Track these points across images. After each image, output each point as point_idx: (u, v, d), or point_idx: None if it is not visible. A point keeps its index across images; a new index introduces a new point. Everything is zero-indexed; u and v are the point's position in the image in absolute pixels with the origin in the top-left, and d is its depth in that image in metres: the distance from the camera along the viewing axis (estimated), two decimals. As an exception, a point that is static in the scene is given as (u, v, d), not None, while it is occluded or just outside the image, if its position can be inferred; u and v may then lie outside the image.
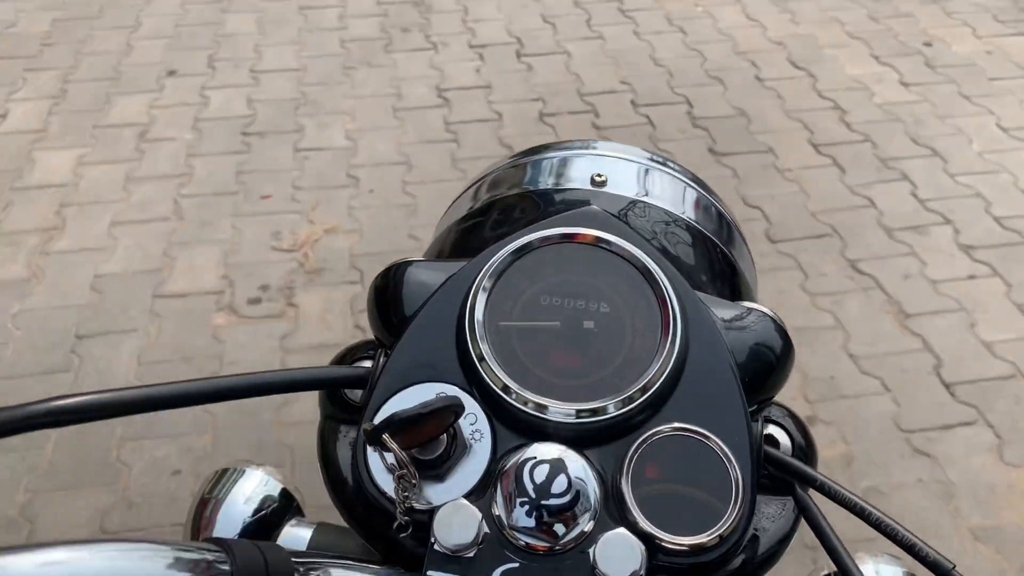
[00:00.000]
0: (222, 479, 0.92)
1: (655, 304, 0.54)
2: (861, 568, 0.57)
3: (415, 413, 0.44)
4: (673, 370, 0.51)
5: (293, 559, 0.44)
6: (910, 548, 0.46)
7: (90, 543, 0.38)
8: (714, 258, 0.73)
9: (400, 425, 0.44)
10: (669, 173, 0.77)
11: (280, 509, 0.91)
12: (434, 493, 0.48)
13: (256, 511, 0.90)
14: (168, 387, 0.47)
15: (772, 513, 0.55)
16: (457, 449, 0.49)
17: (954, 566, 0.44)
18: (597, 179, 0.71)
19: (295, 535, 0.88)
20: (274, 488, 0.93)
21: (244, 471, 0.94)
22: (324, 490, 0.60)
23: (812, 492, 0.53)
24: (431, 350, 0.54)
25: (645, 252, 0.56)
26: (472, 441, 0.50)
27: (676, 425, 0.50)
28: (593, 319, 0.54)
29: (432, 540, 0.46)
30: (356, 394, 0.58)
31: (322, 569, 0.45)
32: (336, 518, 0.68)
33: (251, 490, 0.92)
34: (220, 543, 0.42)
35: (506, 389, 0.51)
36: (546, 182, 0.74)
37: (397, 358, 0.53)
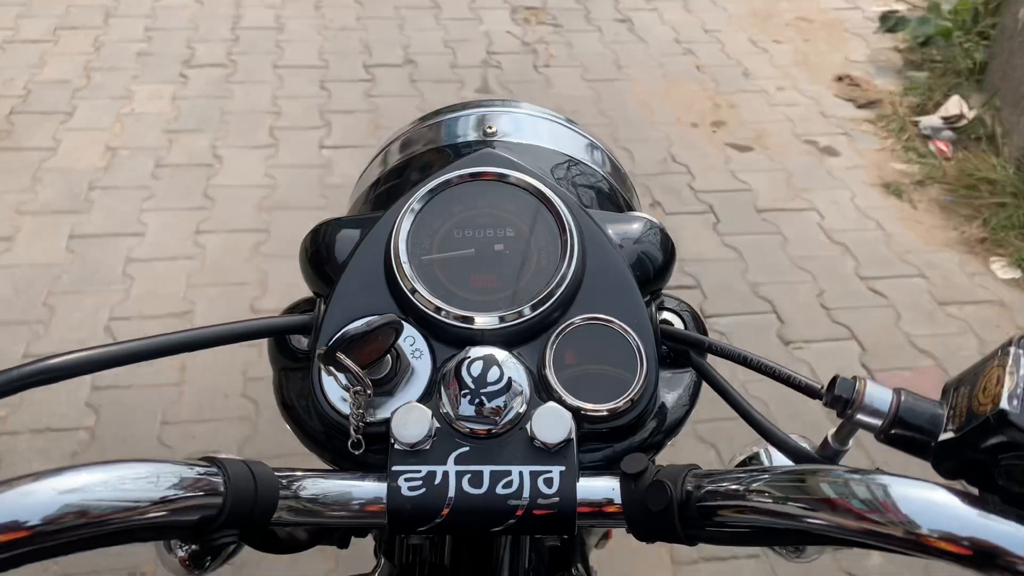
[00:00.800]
0: None
1: (553, 223, 0.63)
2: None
3: (362, 330, 0.51)
4: (575, 273, 0.60)
5: (276, 473, 0.51)
6: (786, 380, 0.56)
7: (93, 466, 0.44)
8: (596, 181, 0.83)
9: (350, 342, 0.51)
10: (547, 119, 0.86)
11: None
12: (388, 406, 0.56)
13: None
14: (127, 344, 0.52)
15: (675, 385, 0.65)
16: (402, 367, 0.57)
17: (821, 387, 0.54)
18: (488, 131, 0.79)
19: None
20: None
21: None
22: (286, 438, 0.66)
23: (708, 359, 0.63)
24: (365, 290, 0.61)
25: (540, 181, 0.65)
26: (413, 359, 0.58)
27: (584, 316, 0.59)
28: (502, 243, 0.62)
29: (392, 441, 0.53)
30: (303, 345, 0.65)
31: (303, 480, 0.52)
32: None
33: None
34: (213, 460, 0.48)
35: (437, 310, 0.58)
36: (445, 139, 0.82)
37: (336, 301, 0.60)
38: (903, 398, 0.49)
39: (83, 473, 0.43)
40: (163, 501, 0.45)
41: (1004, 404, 0.41)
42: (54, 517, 0.42)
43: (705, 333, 0.69)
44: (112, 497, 0.44)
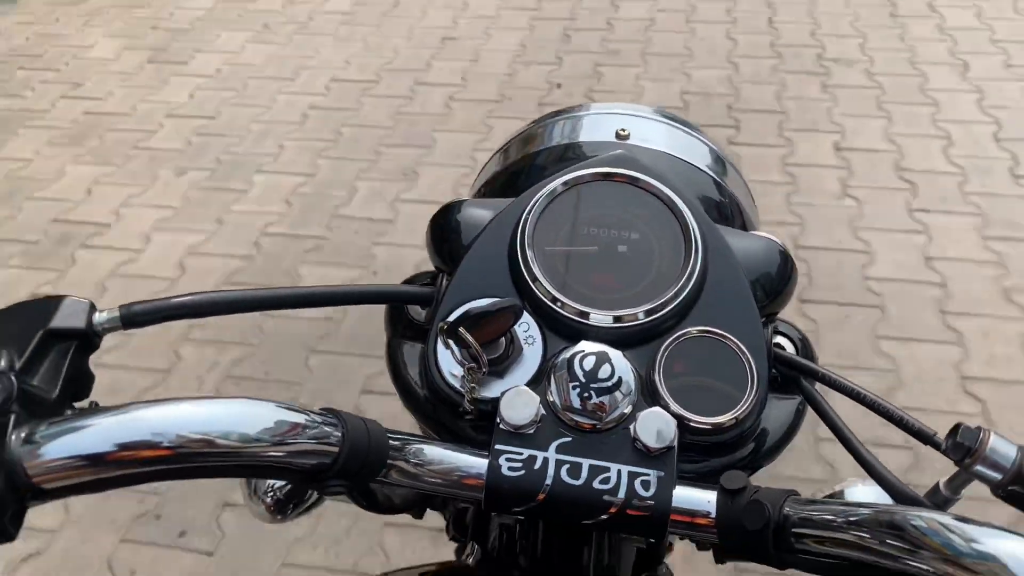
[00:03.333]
0: None
1: (679, 231, 0.63)
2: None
3: (484, 311, 0.53)
4: (696, 285, 0.61)
5: (387, 435, 0.53)
6: (899, 422, 0.55)
7: (227, 399, 0.47)
8: (722, 197, 0.82)
9: (473, 320, 0.53)
10: (681, 129, 0.86)
11: None
12: (496, 386, 0.57)
13: None
14: (254, 292, 0.57)
15: (779, 413, 0.64)
16: (515, 350, 0.58)
17: (935, 433, 0.53)
18: (622, 133, 0.80)
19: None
20: None
21: None
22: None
23: (817, 387, 0.62)
24: (488, 272, 0.63)
25: (670, 188, 0.65)
26: (526, 344, 0.59)
27: (700, 328, 0.59)
28: (627, 245, 0.63)
29: (498, 420, 0.55)
30: (419, 315, 0.67)
31: (411, 445, 0.54)
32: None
33: None
34: (334, 412, 0.51)
35: (555, 300, 0.60)
36: (579, 136, 0.83)
37: (459, 279, 0.62)
38: None
39: (215, 404, 0.47)
40: (285, 443, 0.48)
41: None
42: (186, 442, 0.45)
43: (816, 360, 0.68)
44: (239, 433, 0.47)
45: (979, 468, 0.49)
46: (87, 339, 0.51)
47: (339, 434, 0.50)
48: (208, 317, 0.55)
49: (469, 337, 0.53)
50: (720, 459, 0.59)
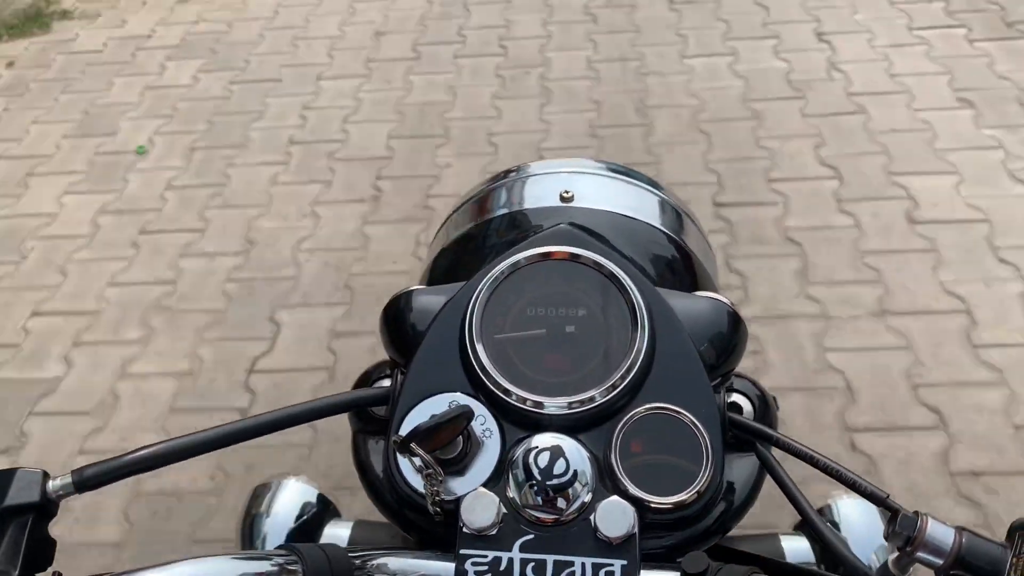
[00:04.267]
0: (262, 494, 1.02)
1: (624, 305, 0.64)
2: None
3: (434, 423, 0.54)
4: (645, 359, 0.61)
5: (349, 555, 0.54)
6: (852, 484, 0.56)
7: (171, 564, 0.48)
8: (672, 251, 0.83)
9: (424, 435, 0.54)
10: (626, 181, 0.86)
11: (319, 512, 1.01)
12: (457, 485, 0.58)
13: (298, 517, 1.01)
14: (206, 433, 0.56)
15: (742, 469, 0.65)
16: (472, 447, 0.59)
17: (888, 495, 0.54)
18: (565, 195, 0.80)
19: (336, 534, 0.98)
20: (310, 495, 1.03)
21: (281, 483, 1.04)
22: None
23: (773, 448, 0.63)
24: (440, 365, 0.63)
25: (611, 260, 0.66)
26: (484, 438, 0.60)
27: (652, 405, 0.60)
28: (574, 323, 0.64)
29: (461, 524, 0.56)
30: (381, 408, 0.68)
31: (374, 560, 0.55)
32: (367, 514, 0.77)
33: (290, 500, 1.02)
34: (290, 548, 0.51)
35: (507, 392, 0.60)
36: (521, 203, 0.83)
37: (412, 376, 0.63)
38: (965, 539, 0.48)
39: (172, 571, 0.47)
40: None
41: None
42: None
43: (774, 416, 0.69)
44: None
45: (920, 554, 0.50)
46: (44, 509, 0.51)
47: (298, 569, 0.50)
48: (164, 467, 0.55)
49: (421, 451, 0.54)
50: (686, 532, 0.60)
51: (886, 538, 0.52)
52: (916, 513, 0.51)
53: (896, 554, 0.53)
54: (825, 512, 0.90)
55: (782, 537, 0.96)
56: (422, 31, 3.54)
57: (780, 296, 2.25)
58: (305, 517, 0.98)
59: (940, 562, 0.49)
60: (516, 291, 0.65)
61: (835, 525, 0.88)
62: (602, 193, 0.83)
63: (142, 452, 0.54)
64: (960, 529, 0.49)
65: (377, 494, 0.65)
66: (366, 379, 0.71)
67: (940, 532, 0.49)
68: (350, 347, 2.23)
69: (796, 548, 0.94)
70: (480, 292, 0.64)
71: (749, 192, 2.57)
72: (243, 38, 3.61)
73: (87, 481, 0.53)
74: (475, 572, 0.54)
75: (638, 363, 0.61)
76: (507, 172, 0.89)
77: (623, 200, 0.83)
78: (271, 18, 3.73)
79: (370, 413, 0.68)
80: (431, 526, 0.59)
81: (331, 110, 3.12)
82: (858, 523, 0.92)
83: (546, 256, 0.66)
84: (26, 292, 2.51)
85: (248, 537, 0.96)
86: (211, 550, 0.50)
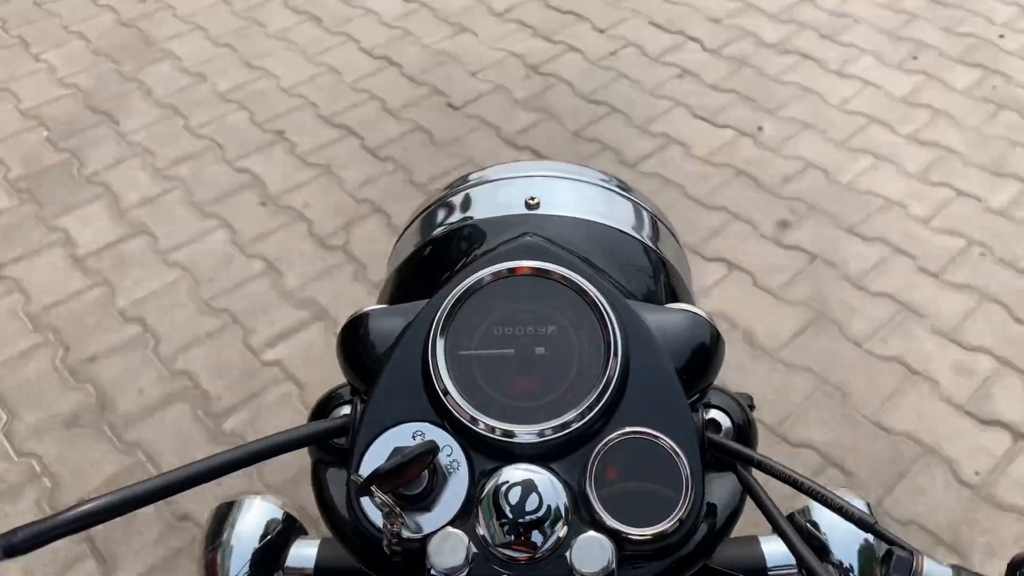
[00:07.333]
0: (225, 515, 0.97)
1: (595, 321, 0.60)
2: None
3: (396, 464, 0.50)
4: (618, 380, 0.58)
5: None
6: (838, 509, 0.53)
7: None
8: (645, 260, 0.79)
9: (384, 476, 0.50)
10: (596, 184, 0.82)
11: (284, 531, 0.97)
12: (423, 522, 0.54)
13: (263, 538, 0.96)
14: (163, 477, 0.52)
15: (723, 488, 0.62)
16: (438, 480, 0.55)
17: (876, 521, 0.52)
18: (531, 202, 0.76)
19: (303, 554, 0.94)
20: (275, 513, 0.99)
21: (243, 503, 0.99)
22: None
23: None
24: (402, 393, 0.59)
25: (580, 273, 0.62)
26: (450, 471, 0.56)
27: (627, 430, 0.57)
28: (543, 343, 0.60)
29: (428, 567, 0.52)
30: (340, 440, 0.64)
31: None
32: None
33: (254, 520, 0.97)
34: None
35: (473, 420, 0.57)
36: (484, 211, 0.79)
37: (373, 405, 0.59)
38: None
39: None
40: None
41: None
42: None
43: (755, 432, 0.66)
44: None
45: None
46: None
47: None
48: (107, 521, 0.50)
49: (381, 494, 0.50)
50: (668, 560, 0.57)
51: None
52: (911, 553, 0.48)
53: None
54: (805, 513, 0.88)
55: (762, 540, 0.94)
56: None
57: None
58: (270, 537, 0.94)
59: None
60: (480, 311, 0.61)
61: (814, 526, 0.86)
62: (570, 198, 0.80)
63: (81, 508, 0.49)
64: (957, 568, 0.47)
65: (338, 528, 0.61)
66: (324, 405, 0.67)
67: (937, 571, 0.47)
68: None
69: (777, 551, 0.93)
70: (442, 314, 0.61)
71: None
72: None
73: (17, 547, 0.48)
74: None
75: (612, 384, 0.58)
76: (466, 177, 0.85)
77: (593, 206, 0.80)
78: None
79: (330, 443, 0.64)
80: (399, 566, 0.56)
81: None
82: (838, 525, 0.90)
83: (511, 272, 0.63)
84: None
85: (211, 563, 0.92)
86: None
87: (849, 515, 0.52)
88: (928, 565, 0.47)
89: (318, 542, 0.95)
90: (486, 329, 0.61)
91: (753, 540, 0.95)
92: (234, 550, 0.93)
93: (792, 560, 0.93)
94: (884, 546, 0.54)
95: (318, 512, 0.64)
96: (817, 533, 0.80)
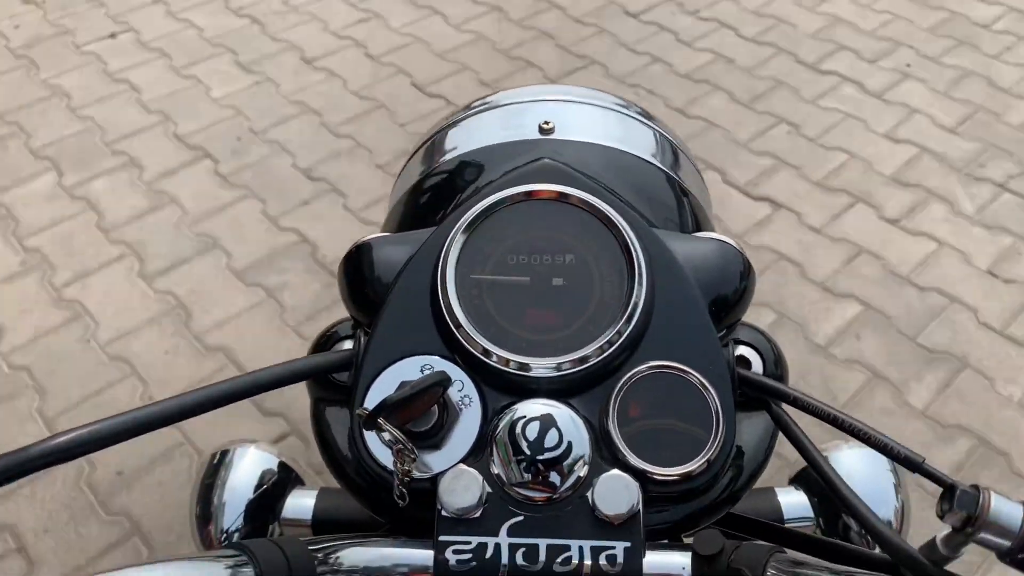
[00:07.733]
0: (221, 461, 0.94)
1: (618, 249, 0.56)
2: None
3: (405, 395, 0.46)
4: (643, 311, 0.54)
5: (311, 548, 0.46)
6: (883, 448, 0.49)
7: (126, 569, 0.40)
8: (668, 189, 0.75)
9: (393, 407, 0.46)
10: (613, 109, 0.77)
11: (280, 481, 0.94)
12: (433, 460, 0.50)
13: (258, 487, 0.93)
14: (163, 404, 0.47)
15: (752, 430, 0.59)
16: (449, 417, 0.51)
17: (924, 460, 0.48)
18: (545, 127, 0.71)
19: (299, 504, 0.91)
20: (271, 462, 0.95)
21: (239, 450, 0.96)
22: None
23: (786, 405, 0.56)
24: (410, 324, 0.55)
25: (602, 199, 0.57)
26: (462, 407, 0.52)
27: (653, 363, 0.52)
28: (561, 273, 0.56)
29: (439, 507, 0.48)
30: (343, 374, 0.60)
31: (340, 551, 0.47)
32: (334, 481, 0.70)
33: (250, 468, 0.94)
34: (240, 547, 0.44)
35: (487, 353, 0.52)
36: (495, 136, 0.74)
37: (378, 337, 0.55)
38: None
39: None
40: None
41: None
42: None
43: (785, 369, 0.62)
44: None
45: (984, 535, 0.43)
46: None
47: (251, 571, 0.43)
48: (93, 453, 0.46)
49: (390, 426, 0.46)
50: (694, 503, 0.53)
51: (940, 516, 0.45)
52: (976, 488, 0.44)
53: (948, 531, 0.46)
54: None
55: (778, 491, 0.91)
56: None
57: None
58: (265, 487, 0.90)
59: (1007, 544, 0.42)
60: (494, 237, 0.57)
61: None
62: (587, 124, 0.74)
63: (59, 439, 0.45)
64: None
65: (342, 473, 0.57)
66: (325, 340, 0.63)
67: (1007, 509, 0.43)
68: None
69: (793, 503, 0.89)
70: (453, 238, 0.56)
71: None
72: None
73: None
74: (457, 561, 0.47)
75: (636, 316, 0.53)
76: (476, 102, 0.79)
77: (611, 131, 0.74)
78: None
79: (332, 379, 0.60)
80: (406, 508, 0.52)
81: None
82: (863, 475, 0.86)
83: (528, 195, 0.58)
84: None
85: (203, 509, 0.89)
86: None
87: (895, 454, 0.48)
88: (996, 501, 0.43)
89: (316, 492, 0.92)
90: (500, 257, 0.56)
91: (770, 491, 0.91)
92: (228, 498, 0.90)
93: (809, 512, 0.90)
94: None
95: (319, 456, 0.61)
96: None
